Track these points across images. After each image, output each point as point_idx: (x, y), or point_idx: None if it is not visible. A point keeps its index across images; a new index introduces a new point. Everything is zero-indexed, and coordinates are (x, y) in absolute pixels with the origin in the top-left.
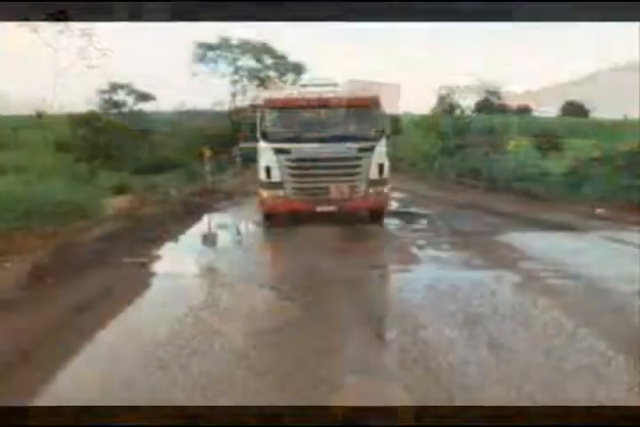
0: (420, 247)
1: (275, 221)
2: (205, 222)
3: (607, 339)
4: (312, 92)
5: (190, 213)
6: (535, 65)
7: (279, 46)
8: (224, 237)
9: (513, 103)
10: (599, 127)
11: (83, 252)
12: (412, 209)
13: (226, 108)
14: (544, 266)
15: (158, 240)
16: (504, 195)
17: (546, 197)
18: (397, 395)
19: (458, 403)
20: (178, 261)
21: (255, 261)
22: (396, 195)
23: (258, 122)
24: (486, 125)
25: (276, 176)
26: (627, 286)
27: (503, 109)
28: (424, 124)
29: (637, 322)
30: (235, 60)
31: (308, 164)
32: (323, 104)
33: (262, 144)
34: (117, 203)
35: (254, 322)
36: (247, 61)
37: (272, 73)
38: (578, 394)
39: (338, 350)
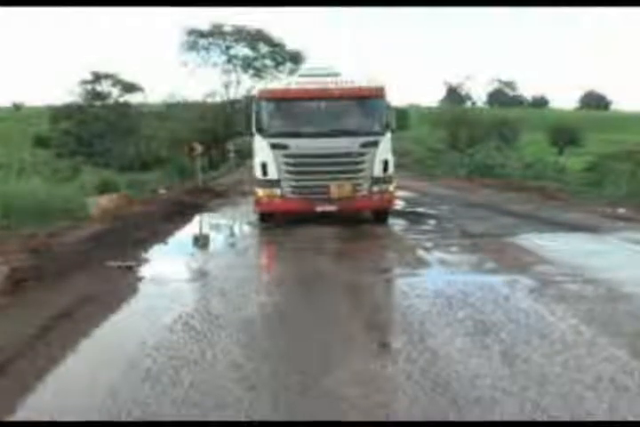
0: (428, 250)
1: (271, 221)
2: (196, 223)
3: (630, 349)
4: (312, 83)
5: (181, 213)
6: None
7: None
8: (216, 239)
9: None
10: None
11: (65, 254)
12: (420, 209)
13: (218, 99)
14: (561, 270)
15: (146, 242)
16: (518, 193)
17: (563, 196)
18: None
19: (468, 418)
20: (167, 264)
21: (249, 265)
22: (400, 193)
23: (253, 115)
24: (499, 118)
25: (272, 173)
26: None
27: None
28: (431, 116)
29: None
30: (228, 48)
31: (307, 160)
32: (323, 95)
33: (258, 139)
34: (102, 202)
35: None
36: (241, 50)
37: (268, 62)
38: (598, 408)
39: (340, 361)
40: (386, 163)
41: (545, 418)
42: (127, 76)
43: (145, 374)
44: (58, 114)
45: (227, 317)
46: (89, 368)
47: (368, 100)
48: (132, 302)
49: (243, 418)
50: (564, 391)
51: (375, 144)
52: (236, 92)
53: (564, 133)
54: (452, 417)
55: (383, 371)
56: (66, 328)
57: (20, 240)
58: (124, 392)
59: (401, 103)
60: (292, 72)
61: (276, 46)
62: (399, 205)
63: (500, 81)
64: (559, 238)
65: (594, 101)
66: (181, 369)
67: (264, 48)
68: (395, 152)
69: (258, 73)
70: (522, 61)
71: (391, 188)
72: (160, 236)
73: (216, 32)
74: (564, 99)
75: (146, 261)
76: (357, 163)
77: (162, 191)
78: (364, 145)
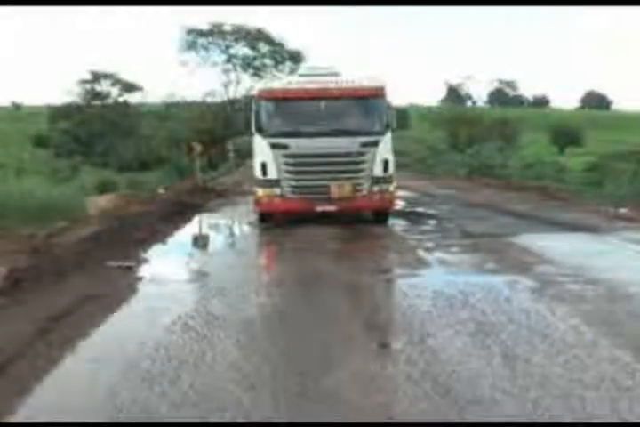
0: (428, 250)
1: (271, 221)
2: (196, 223)
3: (631, 349)
4: (311, 82)
5: (180, 213)
6: None
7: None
8: (216, 239)
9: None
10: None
11: (64, 254)
12: (420, 209)
13: (218, 99)
14: (562, 270)
15: (145, 242)
16: (518, 193)
17: (564, 196)
18: None
19: (469, 419)
20: (167, 264)
21: (249, 265)
22: (401, 193)
23: (253, 114)
24: (500, 118)
25: (272, 173)
26: None
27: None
28: (432, 116)
29: None
30: (227, 47)
31: (307, 160)
32: (323, 95)
33: (258, 138)
34: (102, 202)
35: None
36: (241, 49)
37: (268, 61)
38: (599, 409)
39: (340, 361)
40: (386, 162)
41: (546, 419)
42: (127, 76)
43: (144, 374)
44: (57, 113)
45: (226, 317)
46: (88, 369)
47: (368, 99)
48: (132, 303)
49: (242, 419)
50: (565, 392)
51: (375, 144)
52: (236, 92)
53: (565, 133)
54: (453, 418)
55: (383, 371)
56: (65, 328)
57: (19, 240)
58: (124, 393)
59: (401, 103)
60: (291, 72)
61: (275, 46)
62: (399, 204)
63: (500, 81)
64: (560, 238)
65: (595, 101)
66: (181, 370)
67: (264, 47)
68: (395, 152)
69: (257, 72)
70: (522, 61)
71: (391, 188)
72: (159, 236)
73: (216, 31)
74: (565, 99)
75: (145, 261)
76: (357, 163)
77: (161, 191)
78: (365, 145)
